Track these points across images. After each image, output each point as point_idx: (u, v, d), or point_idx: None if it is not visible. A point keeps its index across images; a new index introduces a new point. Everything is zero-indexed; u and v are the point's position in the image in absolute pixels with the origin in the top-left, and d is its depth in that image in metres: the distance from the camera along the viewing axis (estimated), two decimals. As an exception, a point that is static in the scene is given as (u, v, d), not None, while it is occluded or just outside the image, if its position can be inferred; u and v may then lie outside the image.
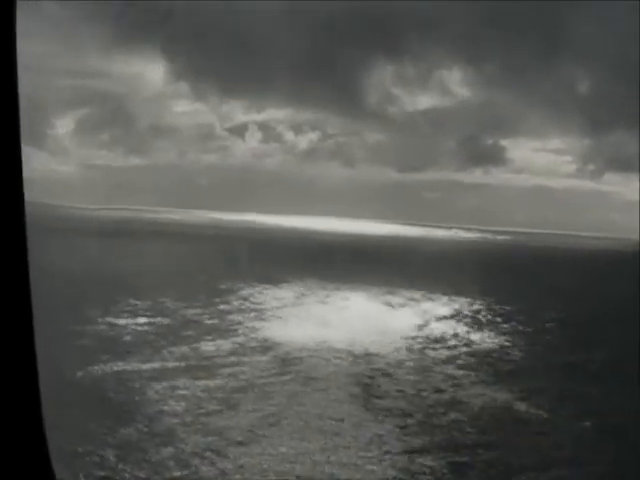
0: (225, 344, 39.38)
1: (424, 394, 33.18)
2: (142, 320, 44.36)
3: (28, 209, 3.06)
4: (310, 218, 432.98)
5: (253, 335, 42.60)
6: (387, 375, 36.42)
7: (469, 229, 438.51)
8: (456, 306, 64.03)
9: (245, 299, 57.65)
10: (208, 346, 38.56)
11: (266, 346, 39.44)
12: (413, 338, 46.33)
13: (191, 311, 49.00)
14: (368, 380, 35.00)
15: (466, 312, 61.14)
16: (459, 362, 40.59)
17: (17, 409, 2.94)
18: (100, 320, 43.34)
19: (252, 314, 50.21)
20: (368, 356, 39.87)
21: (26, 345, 3.05)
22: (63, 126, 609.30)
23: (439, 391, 34.27)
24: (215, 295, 57.79)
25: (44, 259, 79.97)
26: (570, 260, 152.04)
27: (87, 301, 48.10)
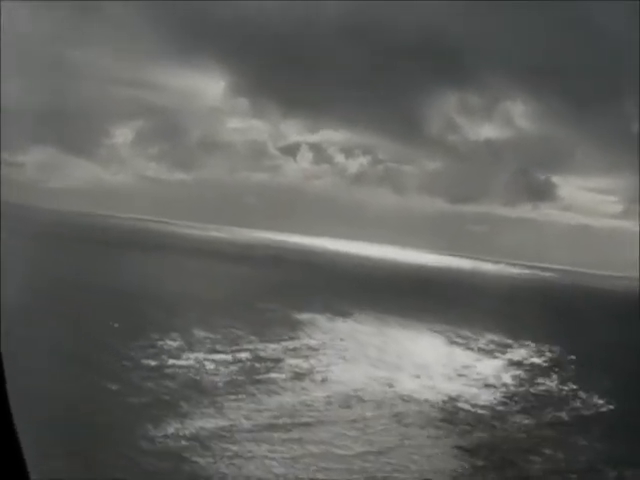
0: (317, 391, 34.90)
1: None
2: (220, 357, 39.82)
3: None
4: (357, 243, 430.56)
5: (337, 381, 38.54)
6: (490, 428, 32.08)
7: (514, 264, 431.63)
8: (525, 351, 59.64)
9: (314, 333, 53.68)
10: (299, 395, 33.90)
11: (356, 396, 34.89)
12: (497, 386, 41.91)
13: (268, 347, 44.49)
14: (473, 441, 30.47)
15: (536, 358, 56.79)
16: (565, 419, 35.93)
17: None
18: (171, 353, 39.35)
19: (328, 353, 45.93)
20: (455, 406, 35.61)
21: None
22: (119, 136, 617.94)
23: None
24: (286, 327, 54.06)
25: (97, 273, 78.49)
26: (621, 303, 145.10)
27: (149, 325, 44.87)
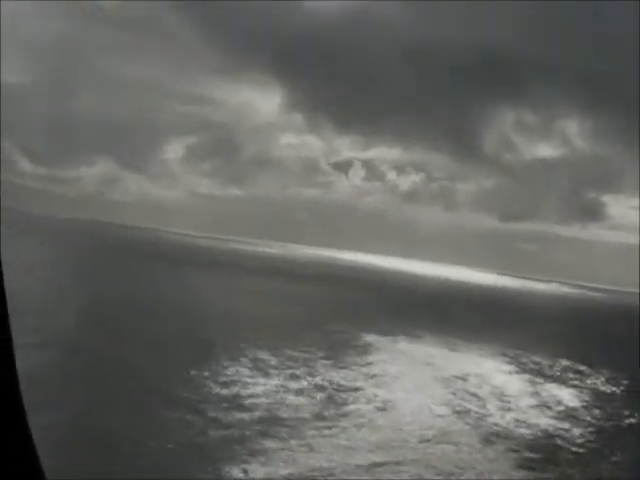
0: (409, 425, 32.54)
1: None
2: (297, 385, 37.18)
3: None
4: (408, 260, 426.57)
5: (426, 414, 36.25)
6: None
7: (564, 283, 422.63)
8: (602, 379, 56.56)
9: (388, 357, 51.35)
10: (391, 429, 31.45)
11: (450, 432, 32.36)
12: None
13: (346, 373, 41.99)
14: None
15: (614, 387, 53.78)
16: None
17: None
18: (244, 381, 36.50)
19: (409, 381, 43.46)
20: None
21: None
22: (173, 152, 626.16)
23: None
24: (358, 351, 51.91)
25: (154, 291, 77.77)
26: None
27: (214, 350, 42.69)
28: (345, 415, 32.24)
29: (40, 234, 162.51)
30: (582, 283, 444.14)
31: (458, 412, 37.20)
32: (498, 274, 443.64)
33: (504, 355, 62.66)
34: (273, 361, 41.72)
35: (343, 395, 36.34)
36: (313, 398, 34.85)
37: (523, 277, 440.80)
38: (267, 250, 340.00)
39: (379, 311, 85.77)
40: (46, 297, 59.38)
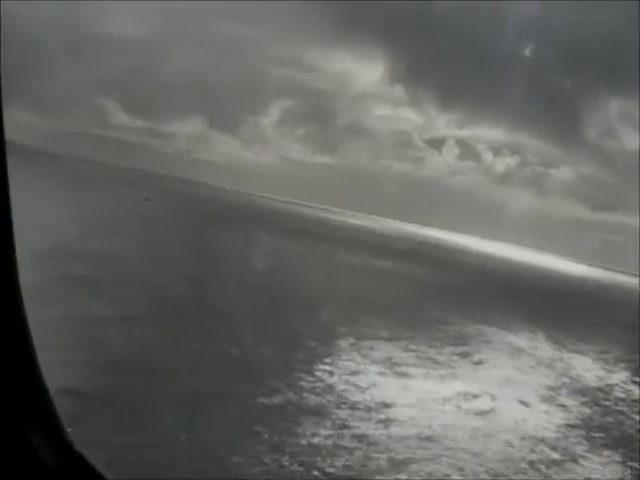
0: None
1: None
2: (440, 390, 33.52)
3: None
4: (497, 243, 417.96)
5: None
6: None
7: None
8: None
9: (529, 361, 48.37)
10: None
11: None
12: None
13: (489, 382, 37.79)
14: None
15: None
16: None
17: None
18: (377, 382, 31.47)
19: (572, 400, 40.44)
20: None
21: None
22: (267, 115, 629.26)
23: None
24: (484, 346, 49.38)
25: (243, 261, 76.95)
26: None
27: (326, 338, 38.70)
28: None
29: (142, 190, 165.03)
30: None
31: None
32: (588, 265, 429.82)
33: (621, 360, 59.14)
34: (400, 356, 38.82)
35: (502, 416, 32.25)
36: (484, 417, 31.65)
37: (613, 269, 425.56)
38: (355, 222, 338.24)
39: (481, 298, 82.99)
40: (152, 265, 59.18)
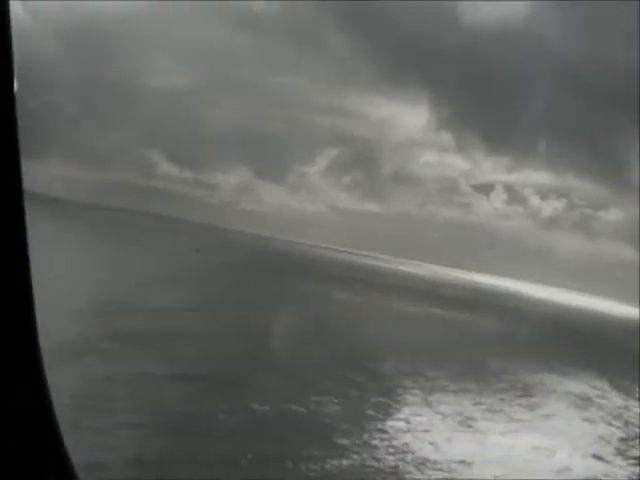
0: None
1: None
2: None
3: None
4: (545, 287, 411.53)
5: None
6: None
7: None
8: None
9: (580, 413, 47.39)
10: None
11: None
12: None
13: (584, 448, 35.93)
14: None
15: None
16: None
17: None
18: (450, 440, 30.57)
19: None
20: None
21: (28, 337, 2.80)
22: (312, 164, 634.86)
23: None
24: (564, 403, 47.93)
25: (297, 311, 76.79)
26: None
27: (397, 393, 38.67)
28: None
29: (191, 241, 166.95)
30: None
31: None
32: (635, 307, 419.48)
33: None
34: (470, 410, 37.65)
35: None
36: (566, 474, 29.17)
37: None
38: (403, 268, 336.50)
39: (546, 349, 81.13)
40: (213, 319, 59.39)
